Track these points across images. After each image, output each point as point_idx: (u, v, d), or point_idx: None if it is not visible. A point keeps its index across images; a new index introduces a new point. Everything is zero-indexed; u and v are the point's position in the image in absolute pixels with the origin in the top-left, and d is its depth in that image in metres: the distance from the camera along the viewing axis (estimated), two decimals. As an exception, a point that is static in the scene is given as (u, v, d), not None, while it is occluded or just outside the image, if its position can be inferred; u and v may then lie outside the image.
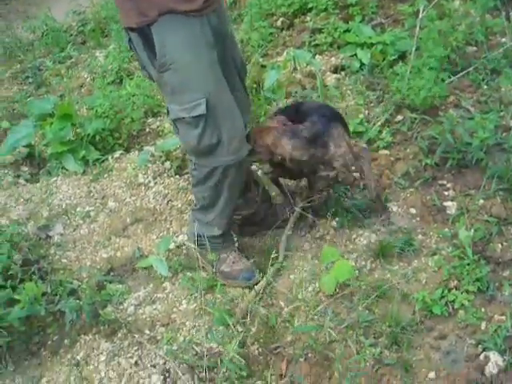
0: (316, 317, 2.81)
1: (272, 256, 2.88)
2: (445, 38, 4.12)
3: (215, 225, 3.02)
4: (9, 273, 3.10)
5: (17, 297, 2.91)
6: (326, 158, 3.08)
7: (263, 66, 4.55)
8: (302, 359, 2.66)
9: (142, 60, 2.72)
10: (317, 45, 4.74)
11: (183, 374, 2.60)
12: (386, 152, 3.71)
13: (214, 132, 2.69)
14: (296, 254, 3.22)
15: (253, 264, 3.11)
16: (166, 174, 3.91)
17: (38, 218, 3.71)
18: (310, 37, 4.81)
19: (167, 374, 2.53)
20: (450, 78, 4.03)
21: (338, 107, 4.05)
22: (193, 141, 2.72)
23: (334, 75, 4.44)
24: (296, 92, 4.33)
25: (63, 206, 3.79)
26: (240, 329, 2.78)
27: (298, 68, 4.52)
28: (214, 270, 3.09)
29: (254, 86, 4.28)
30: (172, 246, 3.31)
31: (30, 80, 5.37)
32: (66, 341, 2.99)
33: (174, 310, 3.04)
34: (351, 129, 3.78)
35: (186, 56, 2.58)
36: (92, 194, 3.87)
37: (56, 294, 3.08)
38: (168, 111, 2.80)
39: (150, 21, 2.50)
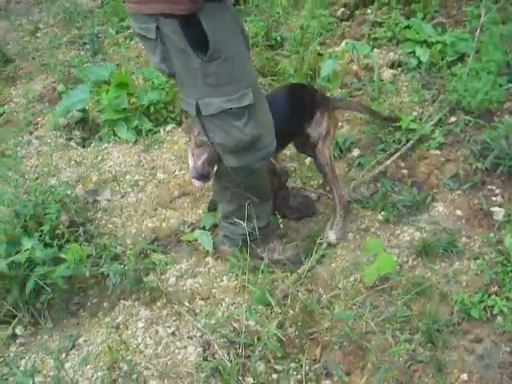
0: (354, 307, 2.84)
1: (317, 242, 2.91)
2: (506, 43, 4.08)
3: (265, 214, 2.99)
4: (56, 232, 3.16)
5: (63, 256, 2.96)
6: None
7: (320, 55, 4.54)
8: (336, 347, 2.69)
9: (172, 50, 2.45)
10: (376, 38, 4.72)
11: (220, 348, 2.65)
12: (437, 152, 3.70)
13: (256, 122, 2.60)
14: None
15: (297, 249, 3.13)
16: (216, 152, 3.93)
17: (87, 182, 3.78)
18: (370, 30, 4.81)
19: (207, 347, 2.57)
20: (508, 83, 3.99)
21: (392, 103, 4.07)
22: (237, 133, 2.58)
23: (391, 70, 4.42)
24: (351, 83, 4.35)
25: (113, 173, 3.86)
26: (279, 310, 2.81)
27: (355, 60, 4.51)
28: (265, 261, 2.89)
29: (310, 73, 4.31)
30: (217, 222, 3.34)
31: (88, 46, 5.41)
32: (105, 304, 3.05)
33: (215, 285, 3.08)
34: (404, 125, 3.79)
35: (233, 44, 2.47)
36: (142, 164, 3.93)
37: (100, 257, 3.13)
38: (199, 107, 2.54)
39: (199, 7, 2.31)
